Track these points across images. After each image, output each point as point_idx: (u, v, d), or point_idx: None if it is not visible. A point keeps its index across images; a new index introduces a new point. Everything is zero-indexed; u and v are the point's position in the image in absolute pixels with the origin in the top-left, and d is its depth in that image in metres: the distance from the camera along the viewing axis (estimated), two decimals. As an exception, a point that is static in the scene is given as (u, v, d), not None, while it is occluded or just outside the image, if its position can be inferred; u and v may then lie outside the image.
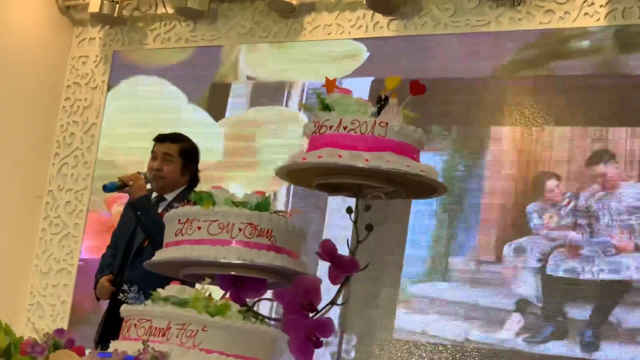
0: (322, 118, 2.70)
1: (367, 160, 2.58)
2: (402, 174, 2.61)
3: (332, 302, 2.66)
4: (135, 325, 2.49)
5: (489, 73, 5.98)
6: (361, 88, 6.04)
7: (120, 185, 4.18)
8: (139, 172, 4.28)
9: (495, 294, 5.64)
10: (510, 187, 5.78)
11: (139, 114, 7.12)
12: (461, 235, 5.85)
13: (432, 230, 5.94)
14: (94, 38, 7.41)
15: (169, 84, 7.07)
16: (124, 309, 2.55)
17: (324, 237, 5.97)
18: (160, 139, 4.41)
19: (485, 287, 5.68)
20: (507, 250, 5.68)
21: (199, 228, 2.67)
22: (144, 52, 7.20)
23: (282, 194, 6.32)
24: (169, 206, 4.23)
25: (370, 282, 5.83)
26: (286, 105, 6.63)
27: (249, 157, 6.66)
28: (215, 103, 6.89)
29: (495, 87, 5.95)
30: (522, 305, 5.55)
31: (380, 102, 2.71)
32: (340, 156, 2.59)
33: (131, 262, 4.22)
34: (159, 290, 2.55)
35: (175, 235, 2.71)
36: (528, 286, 5.56)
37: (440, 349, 5.61)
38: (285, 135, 6.50)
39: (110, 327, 4.21)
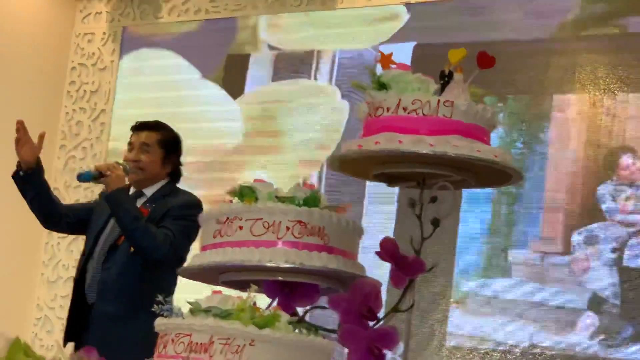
0: (378, 98, 2.73)
1: (431, 145, 2.61)
2: (472, 160, 2.65)
3: (395, 309, 2.70)
4: (173, 340, 2.51)
5: (550, 34, 5.99)
6: (401, 56, 6.05)
7: (96, 175, 4.27)
8: (117, 162, 4.38)
9: (563, 290, 5.67)
10: (578, 165, 5.80)
11: (146, 94, 7.15)
12: (522, 223, 5.87)
13: (488, 218, 5.96)
14: (101, 12, 7.43)
15: (179, 58, 7.12)
16: (159, 322, 2.59)
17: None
18: (138, 127, 4.52)
19: (552, 283, 5.71)
20: (577, 239, 5.70)
21: (241, 228, 2.71)
22: (155, 26, 7.22)
23: (313, 182, 6.35)
24: (149, 201, 4.36)
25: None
26: (315, 78, 6.65)
27: (273, 138, 6.70)
28: (231, 78, 6.92)
29: (558, 49, 5.95)
30: (595, 303, 5.57)
31: (443, 78, 2.75)
32: (400, 142, 2.62)
33: (104, 261, 4.31)
34: (199, 300, 2.60)
35: (214, 237, 2.75)
36: (602, 280, 5.58)
37: (508, 357, 5.64)
38: (315, 113, 6.52)
39: (76, 321, 4.34)
